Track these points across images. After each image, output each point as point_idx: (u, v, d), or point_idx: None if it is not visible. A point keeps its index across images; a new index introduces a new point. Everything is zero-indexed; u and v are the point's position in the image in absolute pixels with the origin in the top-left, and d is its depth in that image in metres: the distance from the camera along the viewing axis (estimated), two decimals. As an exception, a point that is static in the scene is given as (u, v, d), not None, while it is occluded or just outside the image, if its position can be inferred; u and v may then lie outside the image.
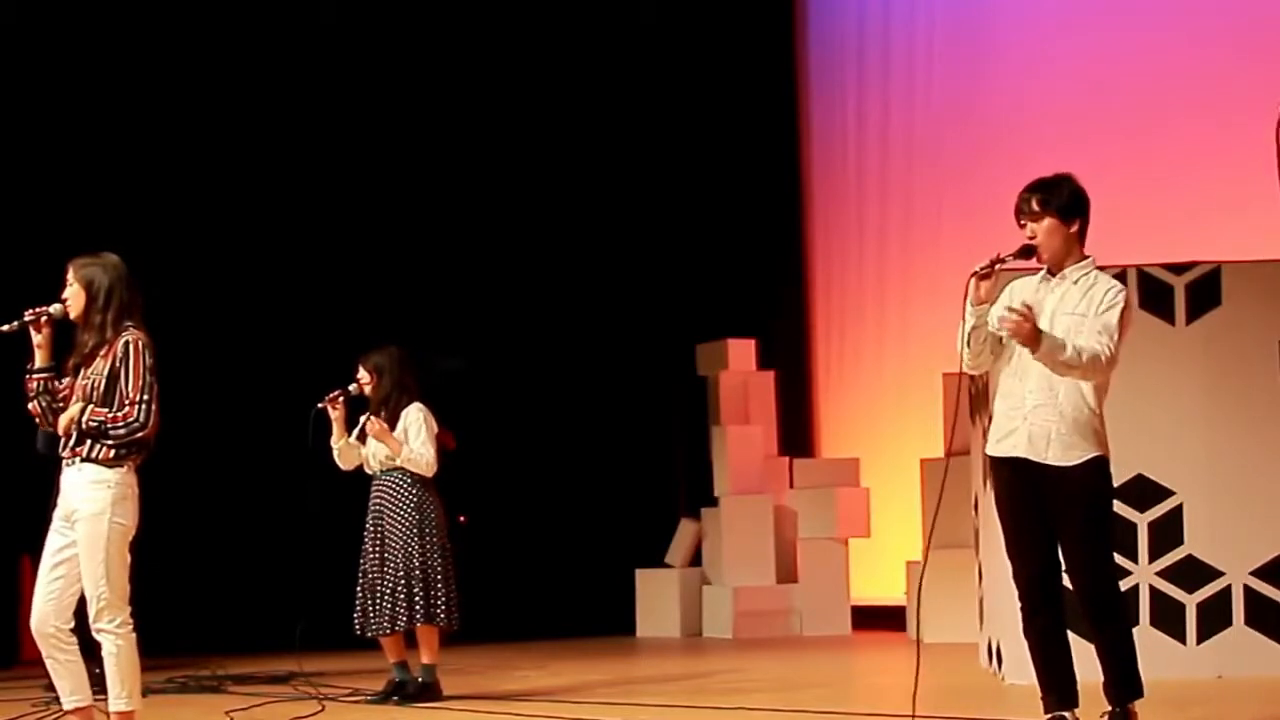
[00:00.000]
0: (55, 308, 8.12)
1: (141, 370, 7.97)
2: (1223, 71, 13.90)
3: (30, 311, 8.11)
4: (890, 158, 17.46)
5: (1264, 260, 10.11)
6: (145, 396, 7.95)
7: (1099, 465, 7.45)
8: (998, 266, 7.25)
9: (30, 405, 8.13)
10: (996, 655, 10.95)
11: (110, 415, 7.90)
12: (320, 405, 10.79)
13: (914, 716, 7.84)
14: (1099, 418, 7.44)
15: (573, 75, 17.45)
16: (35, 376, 8.12)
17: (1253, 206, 12.57)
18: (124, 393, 7.95)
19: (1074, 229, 7.44)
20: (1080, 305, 7.35)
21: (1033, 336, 7.14)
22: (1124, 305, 7.40)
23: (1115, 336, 7.32)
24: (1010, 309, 7.22)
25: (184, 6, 16.30)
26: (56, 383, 8.13)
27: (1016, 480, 7.47)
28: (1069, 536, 7.45)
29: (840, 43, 18.12)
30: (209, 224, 16.12)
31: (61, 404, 8.10)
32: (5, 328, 8.05)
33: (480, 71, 17.20)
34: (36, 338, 8.11)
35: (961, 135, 16.67)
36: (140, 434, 7.95)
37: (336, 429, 10.83)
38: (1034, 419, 7.37)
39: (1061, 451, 7.36)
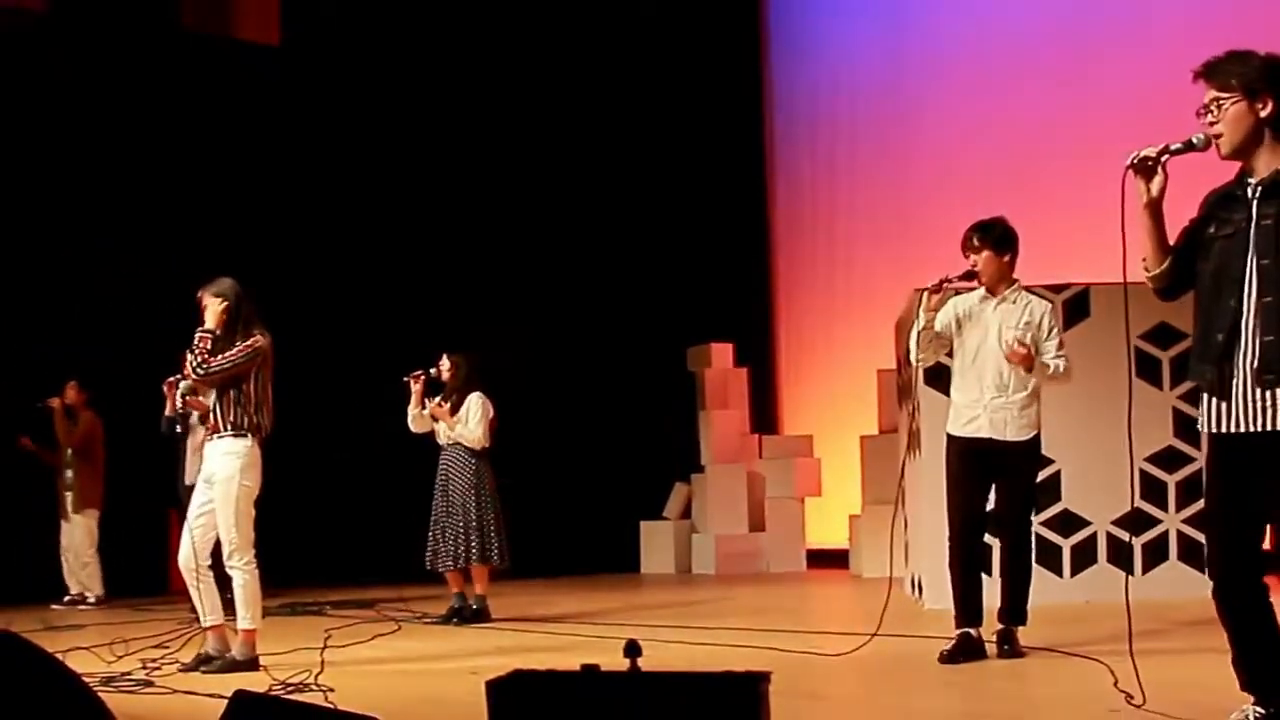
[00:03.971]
0: (185, 385, 8.20)
1: (240, 355, 8.13)
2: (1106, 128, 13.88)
3: (170, 385, 8.21)
4: (837, 198, 17.49)
5: (1120, 283, 10.23)
6: (224, 365, 8.08)
7: (1038, 440, 7.84)
8: (945, 285, 7.60)
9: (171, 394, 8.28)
10: (918, 586, 11.04)
11: (204, 359, 8.07)
12: (406, 379, 10.95)
13: (876, 634, 7.99)
14: (1037, 406, 7.74)
15: (582, 107, 17.47)
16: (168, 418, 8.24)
17: (1116, 239, 12.63)
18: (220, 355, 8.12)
19: (1006, 259, 7.77)
20: (1022, 319, 7.70)
21: (1029, 362, 7.58)
22: (1058, 326, 7.86)
23: (1065, 348, 7.71)
24: (1018, 341, 7.61)
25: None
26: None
27: (970, 454, 7.77)
28: (1007, 493, 7.73)
29: (802, 97, 18.05)
30: (305, 248, 16.16)
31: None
32: (167, 412, 8.23)
33: (501, 100, 17.18)
34: (186, 386, 8.23)
35: (894, 176, 16.69)
36: (200, 377, 8.15)
37: (414, 400, 10.93)
38: (993, 408, 7.67)
39: (1016, 431, 7.71)
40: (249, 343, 8.17)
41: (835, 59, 17.60)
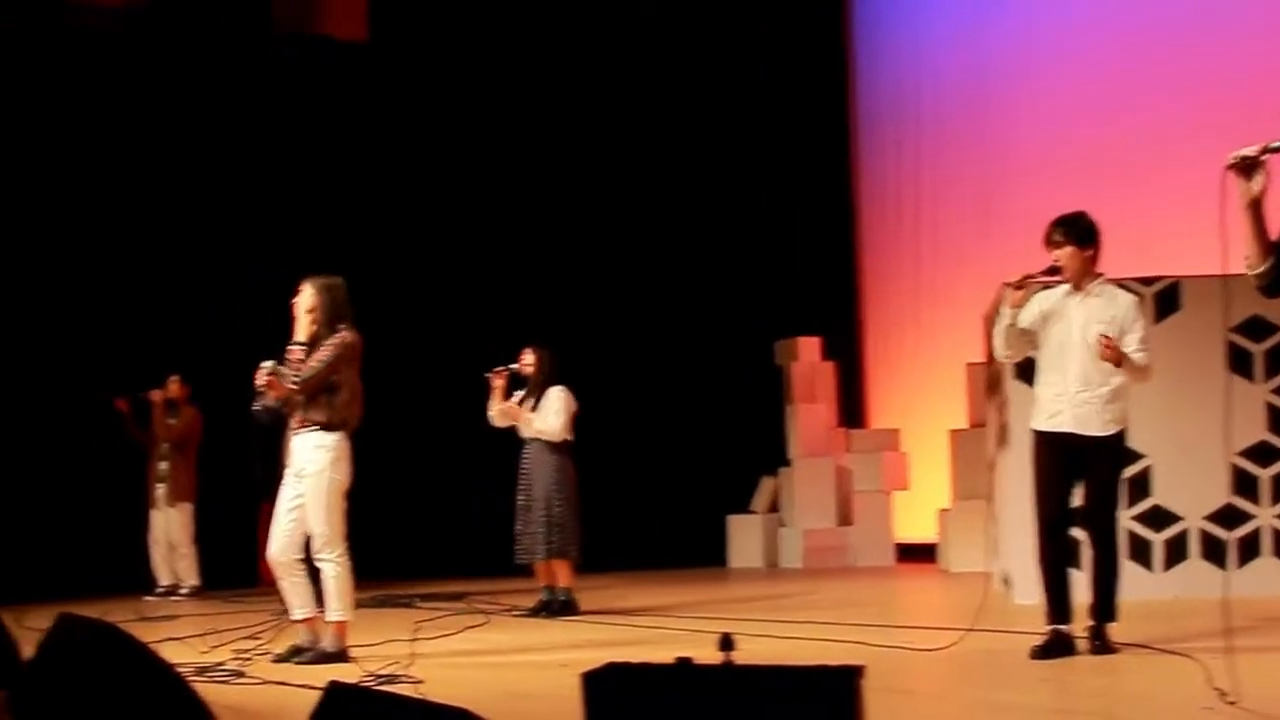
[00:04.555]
0: (269, 364, 8.24)
1: (328, 354, 8.17)
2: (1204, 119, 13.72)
3: (262, 381, 8.23)
4: (923, 191, 17.37)
5: (1212, 275, 10.10)
6: (314, 370, 8.13)
7: (1123, 436, 7.79)
8: (1028, 281, 7.54)
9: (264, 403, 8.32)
10: (1008, 581, 10.95)
11: (296, 372, 8.13)
12: (487, 374, 10.96)
13: (971, 629, 7.94)
14: (1124, 402, 7.68)
15: (671, 102, 17.43)
16: (271, 374, 8.26)
17: (1204, 230, 12.51)
18: (308, 360, 8.17)
19: (1089, 253, 7.67)
20: (1107, 314, 7.61)
21: (1119, 358, 7.50)
22: (1143, 318, 7.73)
23: (1148, 343, 7.64)
24: (1102, 336, 7.51)
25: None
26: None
27: (1055, 448, 7.71)
28: (1094, 488, 7.66)
29: (886, 94, 17.95)
30: (401, 244, 16.27)
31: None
32: (257, 408, 8.27)
33: (589, 95, 17.16)
34: (269, 390, 8.26)
35: (980, 168, 16.57)
36: (297, 393, 8.15)
37: (497, 396, 10.94)
38: (1076, 402, 7.61)
39: (1100, 426, 7.64)
40: (335, 339, 8.20)
41: (920, 50, 17.46)
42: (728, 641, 3.53)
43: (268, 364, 8.23)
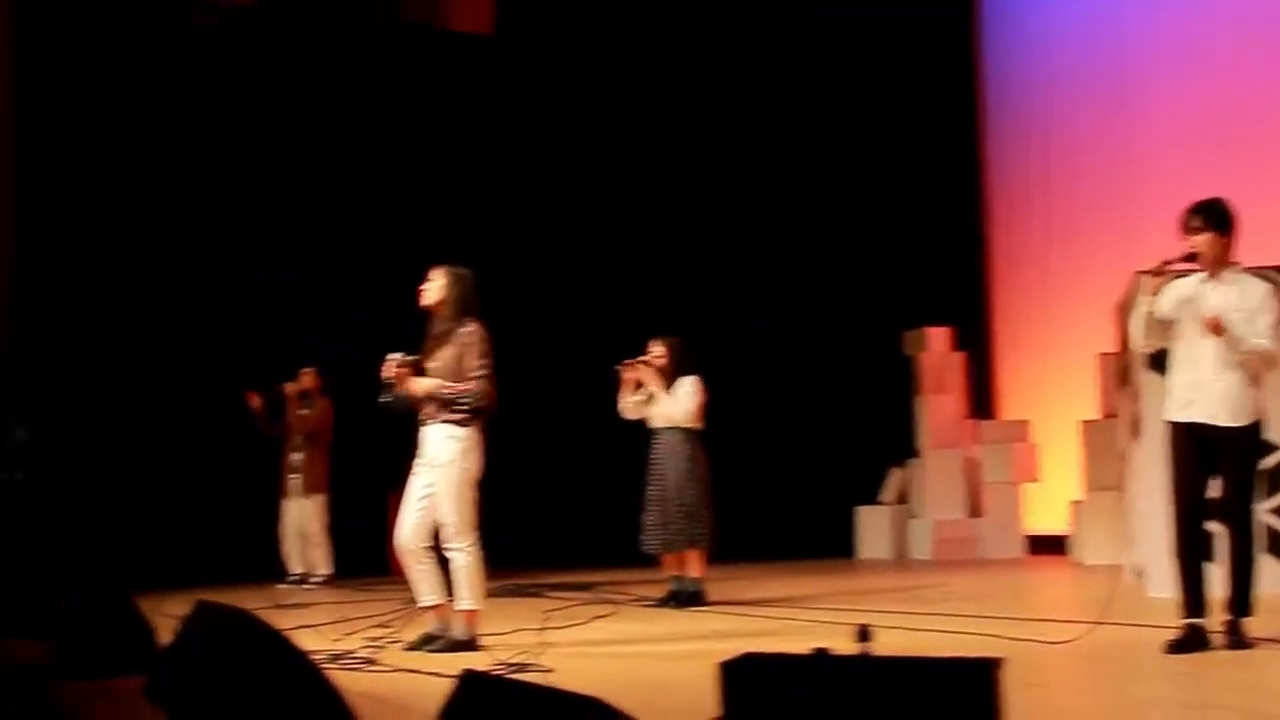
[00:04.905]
0: (403, 359, 8.29)
1: (478, 354, 8.20)
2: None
3: (390, 370, 8.29)
4: (1054, 178, 17.16)
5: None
6: (480, 373, 8.17)
7: (1258, 427, 7.63)
8: (1165, 268, 7.40)
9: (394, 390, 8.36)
10: (1141, 574, 10.78)
11: (458, 389, 8.12)
12: (617, 366, 10.94)
13: (1100, 621, 7.83)
14: (1258, 393, 7.52)
15: (799, 92, 17.46)
16: (406, 362, 8.32)
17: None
18: (465, 370, 8.18)
19: (1226, 240, 7.49)
20: (1241, 302, 7.44)
21: (1219, 330, 7.35)
22: (1275, 306, 7.52)
23: (1277, 329, 7.47)
24: (1205, 317, 7.34)
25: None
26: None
27: (1190, 439, 7.57)
28: (1229, 480, 7.52)
29: (1016, 80, 17.78)
30: (532, 238, 16.34)
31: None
32: (382, 400, 8.31)
33: (717, 87, 17.20)
34: (399, 382, 8.31)
35: (1112, 156, 16.36)
36: (481, 402, 8.18)
37: (627, 388, 10.91)
38: (1209, 392, 7.45)
39: (1231, 416, 7.48)
40: (473, 334, 8.24)
41: (1051, 36, 17.26)
42: (865, 633, 3.49)
43: (395, 356, 8.29)
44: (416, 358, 8.34)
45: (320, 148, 15.53)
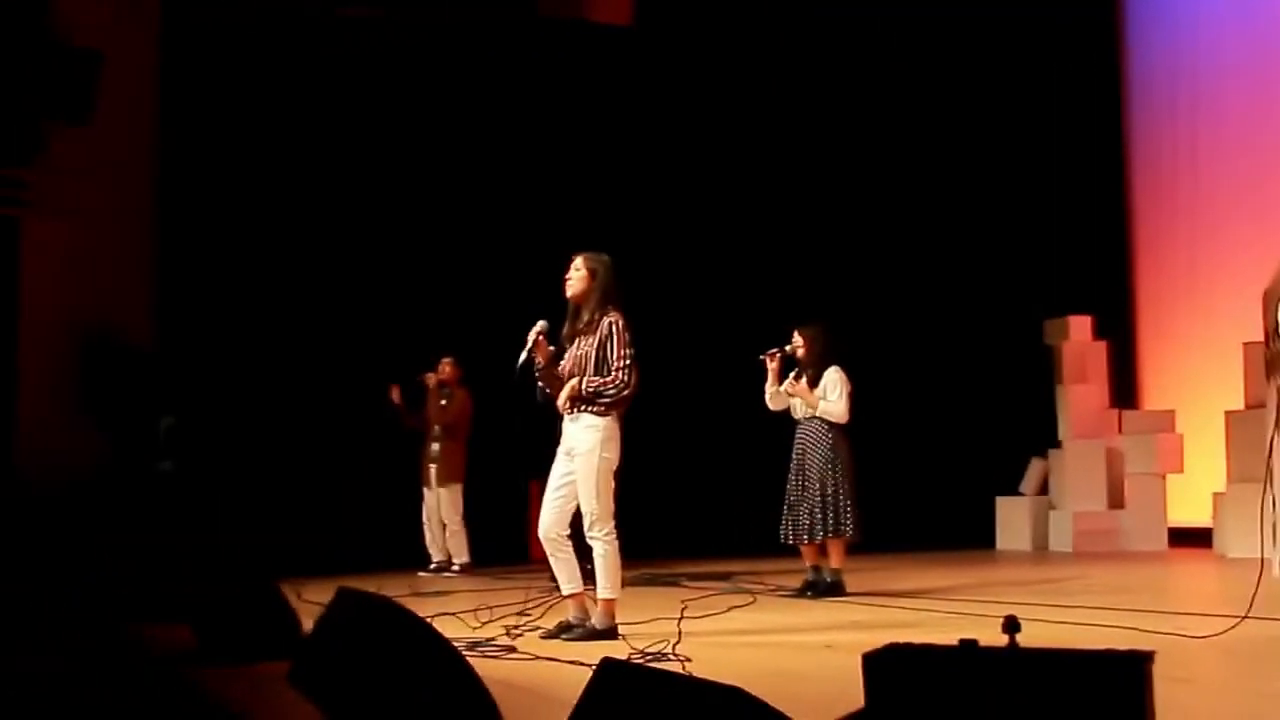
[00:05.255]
0: (541, 324, 8.33)
1: (622, 344, 8.19)
2: None
3: (531, 337, 8.33)
4: (1199, 165, 16.93)
5: None
6: (625, 363, 8.17)
7: None
8: None
9: (538, 375, 8.39)
10: (1288, 567, 10.59)
11: (602, 380, 8.14)
12: (761, 357, 10.91)
13: (1246, 616, 7.69)
14: None
15: (942, 80, 17.46)
16: (540, 374, 8.38)
17: None
18: (609, 361, 8.19)
19: None
20: None
21: None
22: None
23: None
24: None
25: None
26: (557, 366, 8.38)
27: None
28: None
29: (1160, 66, 17.61)
30: (678, 230, 16.38)
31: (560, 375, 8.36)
32: (521, 360, 8.32)
33: (858, 73, 17.22)
34: (539, 357, 8.35)
35: (1257, 143, 16.12)
36: (625, 392, 8.19)
37: (771, 377, 10.88)
38: None
39: None
40: (615, 324, 8.24)
41: (1197, 20, 17.07)
42: (1013, 623, 3.44)
43: (542, 323, 8.35)
44: (553, 349, 8.37)
45: (458, 140, 15.65)
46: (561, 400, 8.30)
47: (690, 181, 16.55)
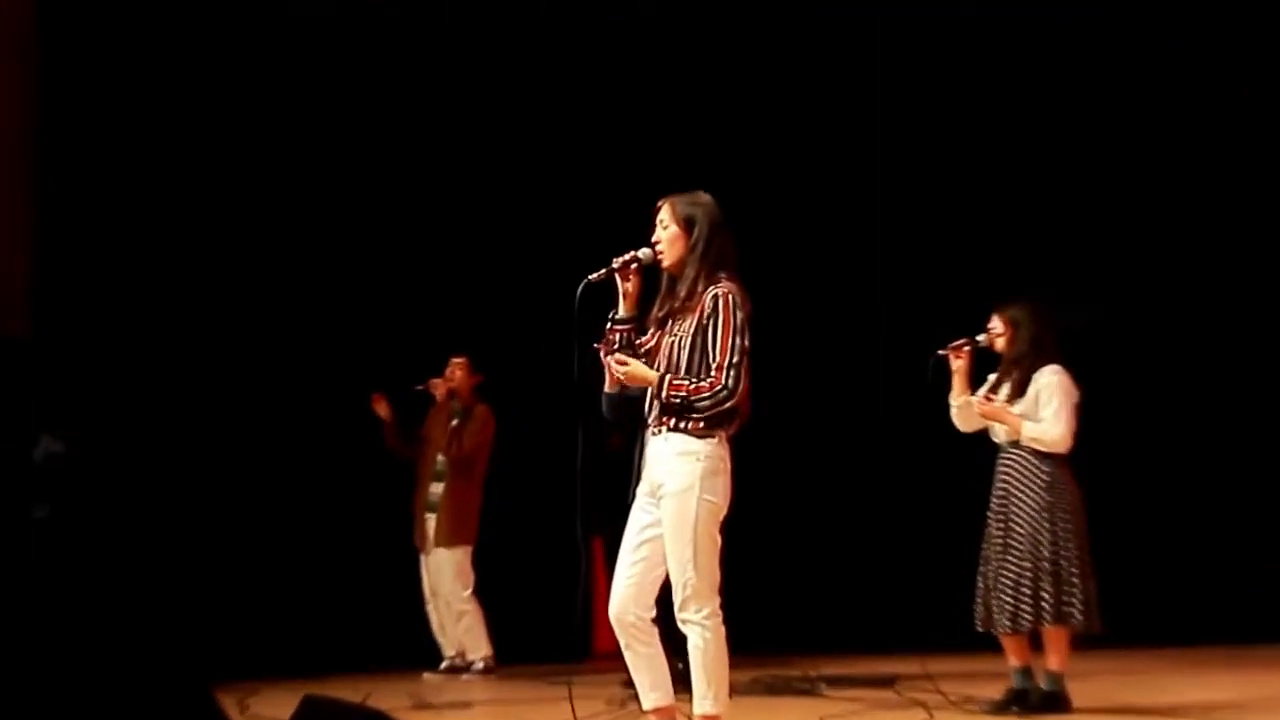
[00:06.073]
0: (645, 252, 8.23)
1: (731, 330, 8.02)
2: None
3: (619, 259, 8.24)
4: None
5: None
6: (734, 360, 8.00)
7: None
8: None
9: (607, 360, 8.29)
10: None
11: (693, 386, 8.00)
12: (941, 352, 10.76)
13: None
14: None
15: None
16: (617, 328, 8.28)
17: None
18: (710, 355, 8.04)
19: None
20: None
21: None
22: None
23: None
24: None
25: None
26: (639, 337, 8.29)
27: None
28: None
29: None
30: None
31: (644, 361, 8.25)
32: (593, 276, 8.16)
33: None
34: (624, 286, 8.26)
35: None
36: (728, 404, 8.02)
37: (957, 382, 10.79)
38: None
39: None
40: (728, 303, 8.05)
41: None
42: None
43: (645, 251, 8.25)
44: (639, 330, 8.30)
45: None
46: (638, 378, 8.17)
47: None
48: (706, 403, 8.01)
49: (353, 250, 15.61)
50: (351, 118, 15.82)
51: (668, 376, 8.07)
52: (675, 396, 8.04)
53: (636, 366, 8.18)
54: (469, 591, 14.00)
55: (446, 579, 13.97)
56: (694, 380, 8.03)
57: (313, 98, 15.71)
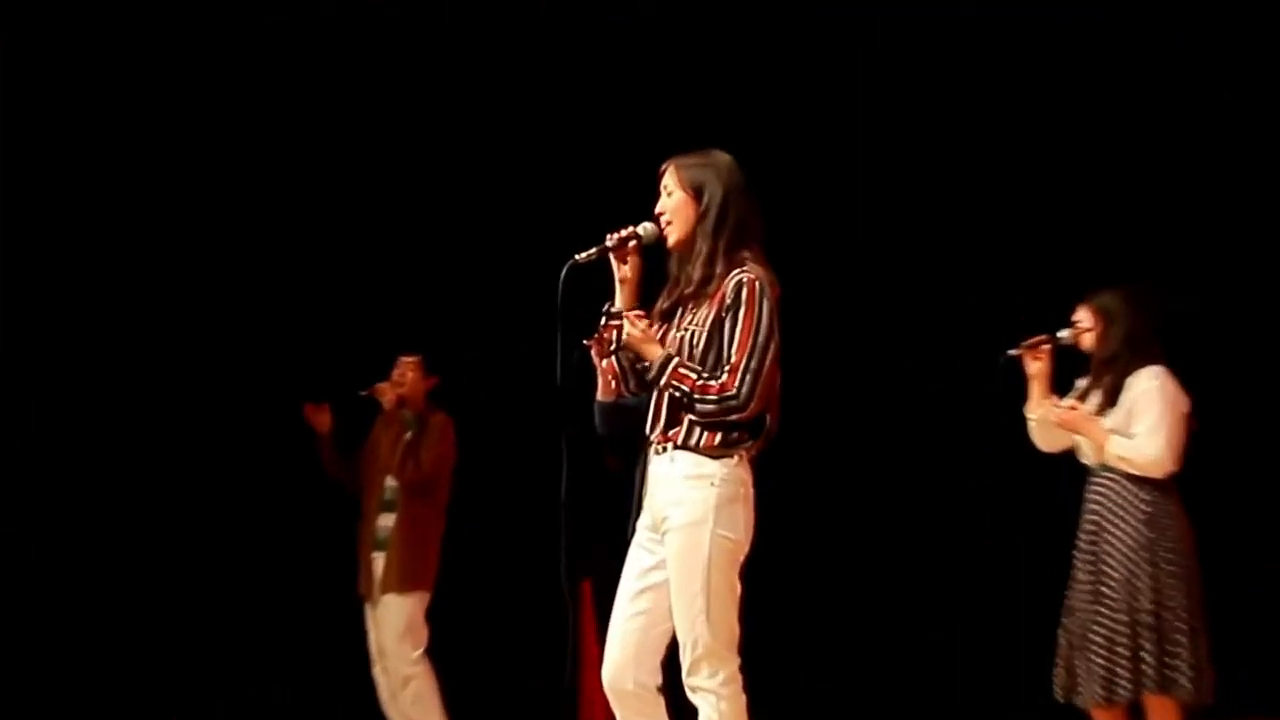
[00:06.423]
0: (646, 227, 7.94)
1: (753, 326, 7.74)
2: None
3: (613, 235, 7.96)
4: None
5: None
6: (751, 363, 7.71)
7: None
8: None
9: (603, 363, 8.06)
10: None
11: (700, 381, 7.72)
12: (1013, 352, 10.57)
13: None
14: None
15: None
16: (613, 323, 7.97)
17: None
18: (725, 352, 7.78)
19: None
20: None
21: None
22: None
23: None
24: None
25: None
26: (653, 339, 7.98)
27: None
28: None
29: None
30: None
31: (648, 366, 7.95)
32: (581, 256, 7.88)
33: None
34: (621, 270, 7.97)
35: None
36: (735, 414, 7.75)
37: (1035, 389, 10.60)
38: None
39: None
40: (752, 289, 7.76)
41: None
42: None
43: (648, 225, 7.97)
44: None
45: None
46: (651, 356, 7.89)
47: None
48: (711, 407, 7.76)
49: (282, 230, 15.72)
50: (306, 102, 16.11)
51: (675, 359, 7.80)
52: (676, 387, 7.80)
53: (645, 333, 7.90)
54: (419, 651, 13.61)
55: (392, 634, 13.62)
56: (705, 375, 7.76)
57: (269, 82, 16.02)
